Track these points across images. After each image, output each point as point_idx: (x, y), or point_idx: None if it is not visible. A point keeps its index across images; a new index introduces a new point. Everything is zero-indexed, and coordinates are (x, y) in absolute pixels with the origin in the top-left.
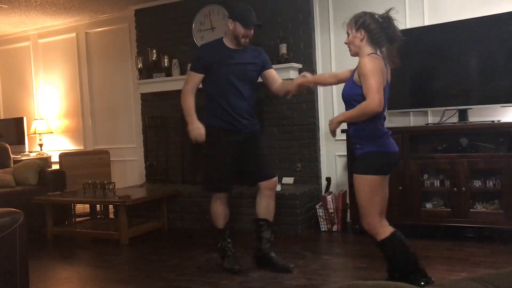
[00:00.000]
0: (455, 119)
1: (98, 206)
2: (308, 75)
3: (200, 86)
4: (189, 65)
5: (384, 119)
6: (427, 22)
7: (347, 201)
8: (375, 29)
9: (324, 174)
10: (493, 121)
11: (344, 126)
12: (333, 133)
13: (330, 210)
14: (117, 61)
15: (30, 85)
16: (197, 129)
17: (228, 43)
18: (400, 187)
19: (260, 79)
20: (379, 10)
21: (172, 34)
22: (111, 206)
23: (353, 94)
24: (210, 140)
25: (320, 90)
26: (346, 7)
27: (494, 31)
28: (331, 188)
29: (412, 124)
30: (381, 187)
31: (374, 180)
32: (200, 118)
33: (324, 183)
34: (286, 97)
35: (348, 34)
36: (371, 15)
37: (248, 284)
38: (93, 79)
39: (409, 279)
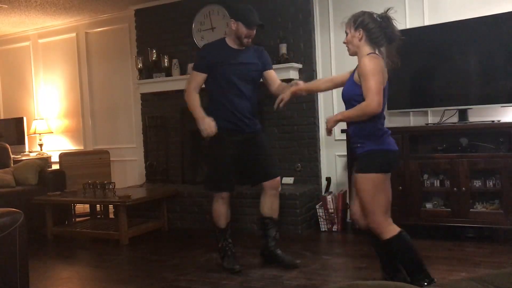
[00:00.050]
0: (455, 119)
1: (98, 206)
2: (300, 83)
3: (203, 86)
4: (188, 65)
5: (384, 118)
6: (427, 22)
7: (347, 201)
8: (374, 28)
9: (324, 174)
10: (493, 121)
11: (343, 126)
12: (329, 131)
13: (330, 210)
14: (117, 61)
15: (30, 85)
16: (208, 123)
17: (230, 43)
18: (400, 187)
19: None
20: (379, 10)
21: (172, 34)
22: (111, 206)
23: (353, 94)
24: (213, 139)
25: None
26: (346, 7)
27: (494, 31)
28: (331, 188)
29: (412, 124)
30: (384, 185)
31: (376, 178)
32: None
33: (324, 183)
34: (280, 106)
35: (347, 34)
36: (370, 14)
37: (248, 284)
38: (93, 79)
39: (413, 279)
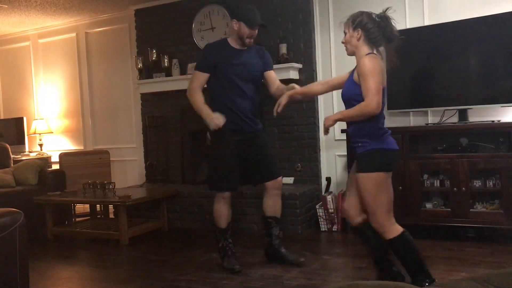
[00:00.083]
0: (455, 119)
1: (98, 206)
2: (296, 86)
3: (205, 86)
4: (188, 65)
5: (384, 118)
6: (427, 22)
7: None
8: (372, 28)
9: (324, 174)
10: (493, 121)
11: (344, 125)
12: (327, 130)
13: (330, 210)
14: (117, 61)
15: (30, 85)
16: (216, 117)
17: (233, 43)
18: (400, 187)
19: None
20: (379, 10)
21: (172, 34)
22: (111, 206)
23: (353, 94)
24: (215, 139)
25: None
26: (346, 7)
27: (494, 31)
28: (331, 188)
29: (412, 124)
30: (386, 184)
31: (378, 177)
32: None
33: (324, 183)
34: (278, 111)
35: (345, 34)
36: (368, 14)
37: (248, 284)
38: (93, 79)
39: (414, 280)
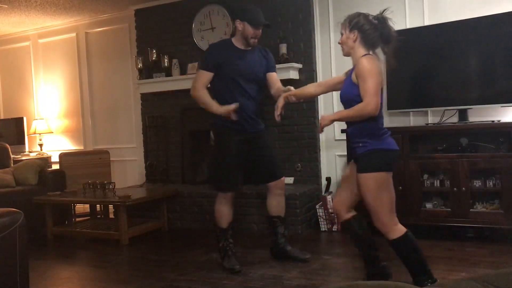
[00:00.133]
0: (455, 119)
1: (98, 206)
2: (291, 88)
3: (208, 85)
4: (189, 65)
5: (383, 118)
6: (427, 22)
7: None
8: (369, 30)
9: (324, 174)
10: (493, 121)
11: (343, 125)
12: (322, 129)
13: (330, 210)
14: (117, 61)
15: (30, 85)
16: (225, 107)
17: (237, 43)
18: (400, 187)
19: None
20: (379, 10)
21: (172, 34)
22: (111, 206)
23: (352, 95)
24: (218, 139)
25: None
26: (346, 7)
27: (494, 31)
28: (331, 188)
29: (412, 124)
30: (387, 184)
31: (379, 177)
32: (206, 117)
33: (324, 183)
34: (278, 113)
35: (342, 34)
36: (365, 16)
37: (248, 284)
38: (93, 79)
39: (416, 280)
